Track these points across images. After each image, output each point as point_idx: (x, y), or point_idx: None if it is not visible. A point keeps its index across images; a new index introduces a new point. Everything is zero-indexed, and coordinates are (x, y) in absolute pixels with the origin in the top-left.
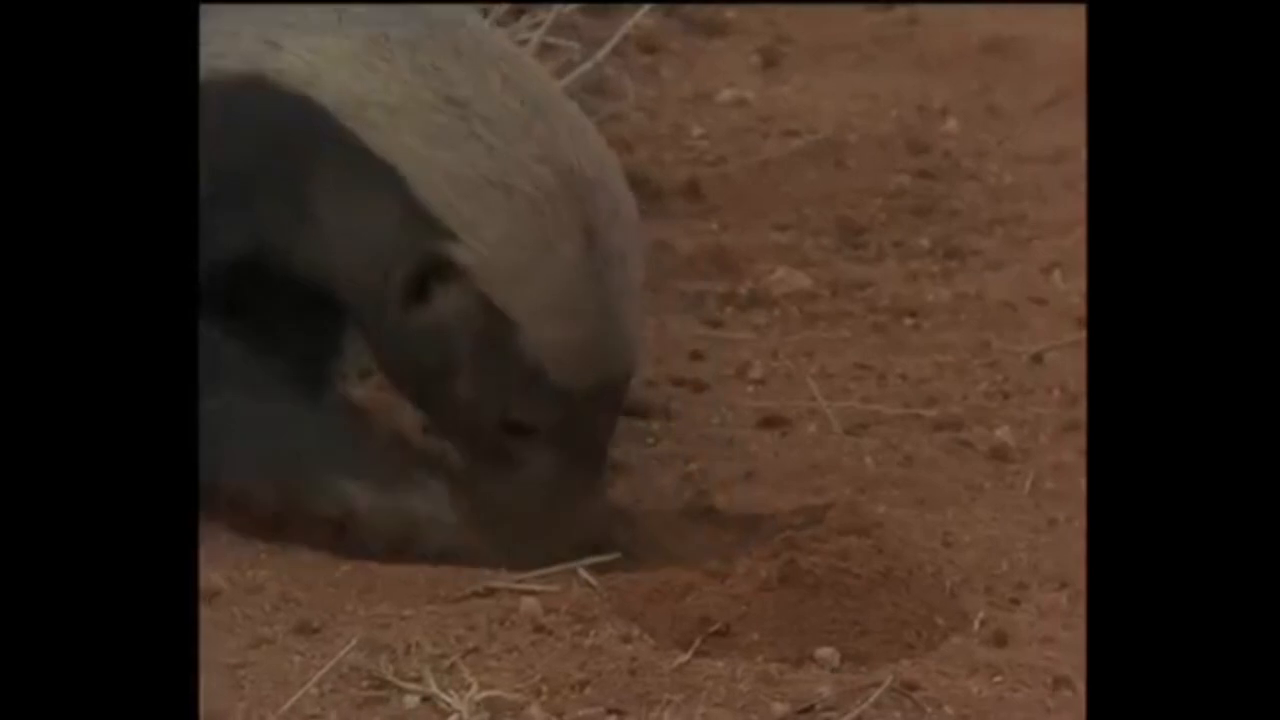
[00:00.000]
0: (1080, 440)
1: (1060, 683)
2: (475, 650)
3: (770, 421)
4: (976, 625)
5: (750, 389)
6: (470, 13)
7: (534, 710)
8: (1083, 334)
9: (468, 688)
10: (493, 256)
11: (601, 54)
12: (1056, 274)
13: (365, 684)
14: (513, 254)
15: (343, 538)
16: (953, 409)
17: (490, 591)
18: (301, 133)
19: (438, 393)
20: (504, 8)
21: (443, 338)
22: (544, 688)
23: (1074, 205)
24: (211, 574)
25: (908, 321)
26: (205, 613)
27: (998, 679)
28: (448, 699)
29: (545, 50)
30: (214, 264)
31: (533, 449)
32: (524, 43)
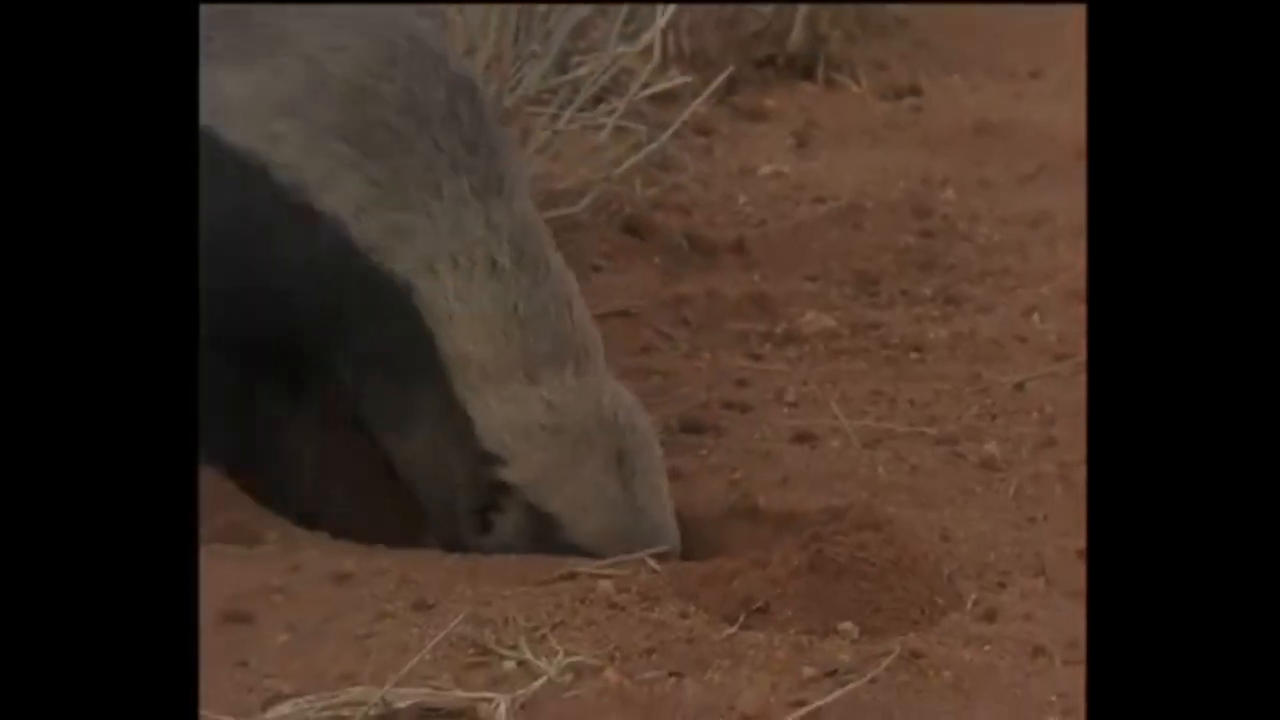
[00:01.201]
0: (1054, 454)
1: (1038, 651)
2: (561, 623)
3: (801, 437)
4: (970, 605)
5: (785, 411)
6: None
7: (609, 673)
8: (1057, 366)
9: (555, 654)
10: (538, 474)
11: (665, 136)
12: (1035, 316)
13: (471, 651)
14: (553, 470)
15: None
16: (950, 427)
17: (573, 576)
18: (424, 362)
19: None
20: (586, 97)
21: (508, 553)
22: (617, 654)
23: (1050, 260)
24: (345, 561)
25: (913, 355)
26: (338, 592)
27: (987, 648)
28: (539, 663)
29: (619, 132)
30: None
31: None
32: (601, 126)
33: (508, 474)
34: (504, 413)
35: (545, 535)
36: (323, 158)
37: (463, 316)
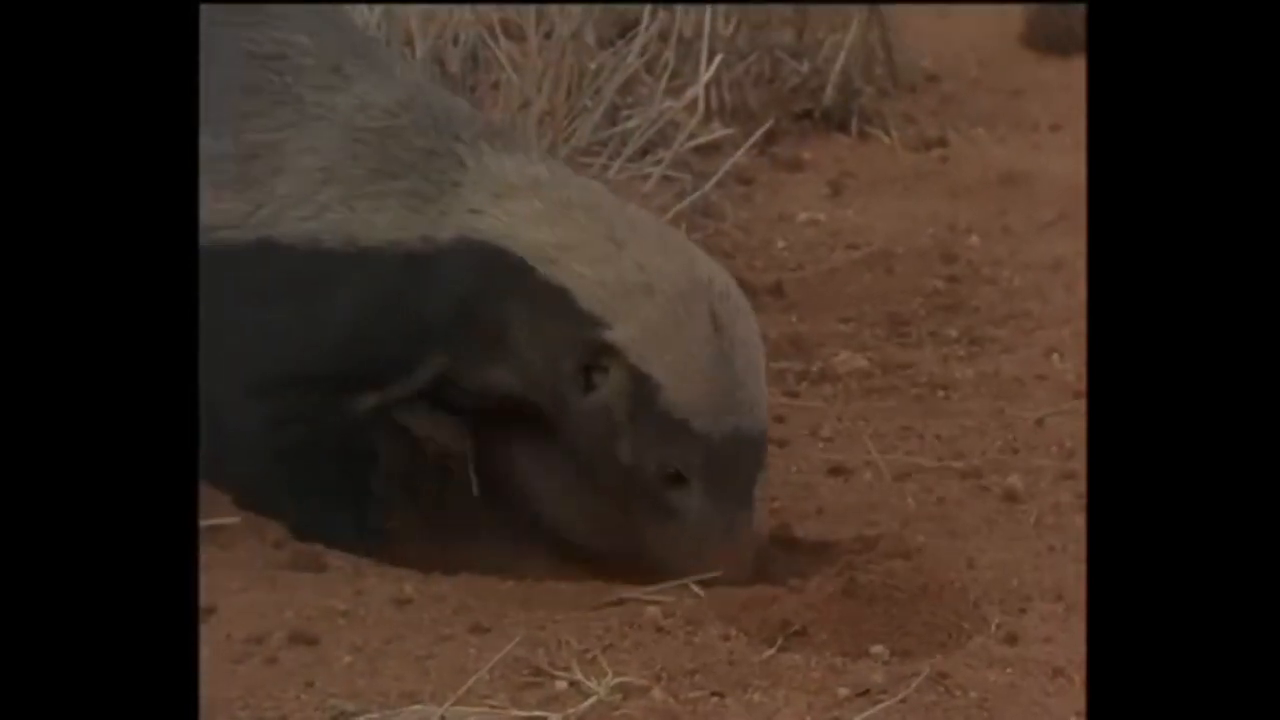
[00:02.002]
0: (1073, 486)
1: (1058, 673)
2: (611, 646)
3: (836, 470)
4: (993, 628)
5: (820, 445)
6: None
7: (655, 692)
8: (1076, 403)
9: (605, 675)
10: (638, 336)
11: (709, 185)
12: (1055, 356)
13: (526, 672)
14: (654, 332)
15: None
16: (975, 461)
17: (622, 601)
18: (500, 275)
19: (608, 459)
20: (634, 148)
21: (608, 413)
22: (663, 675)
23: (1068, 303)
24: (405, 586)
25: (940, 393)
26: (399, 615)
27: (1010, 669)
28: (589, 684)
29: (665, 181)
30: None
31: (689, 498)
32: (648, 176)
33: (609, 335)
34: (597, 275)
35: (644, 399)
36: None
37: (514, 219)
